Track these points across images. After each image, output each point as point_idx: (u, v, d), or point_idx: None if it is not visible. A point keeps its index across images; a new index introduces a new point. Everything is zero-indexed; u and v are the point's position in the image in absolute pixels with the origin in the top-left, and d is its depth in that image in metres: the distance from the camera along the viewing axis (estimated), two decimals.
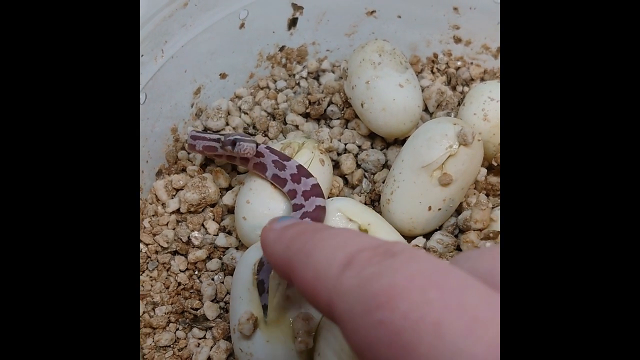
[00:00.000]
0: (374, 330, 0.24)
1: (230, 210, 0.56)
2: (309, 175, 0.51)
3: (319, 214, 0.48)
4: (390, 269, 0.26)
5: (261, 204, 0.51)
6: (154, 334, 0.50)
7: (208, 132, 0.56)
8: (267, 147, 0.52)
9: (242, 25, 0.60)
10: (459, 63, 0.67)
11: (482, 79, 0.65)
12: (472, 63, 0.67)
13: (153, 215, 0.55)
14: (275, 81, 0.66)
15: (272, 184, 0.52)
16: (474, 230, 0.47)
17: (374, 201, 0.57)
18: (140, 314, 0.50)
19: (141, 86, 0.52)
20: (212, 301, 0.52)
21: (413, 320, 0.24)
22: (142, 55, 0.51)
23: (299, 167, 0.51)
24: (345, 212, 0.49)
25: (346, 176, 0.59)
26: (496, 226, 0.47)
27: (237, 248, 0.54)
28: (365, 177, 0.59)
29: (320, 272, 0.29)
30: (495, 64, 0.66)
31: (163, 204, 0.56)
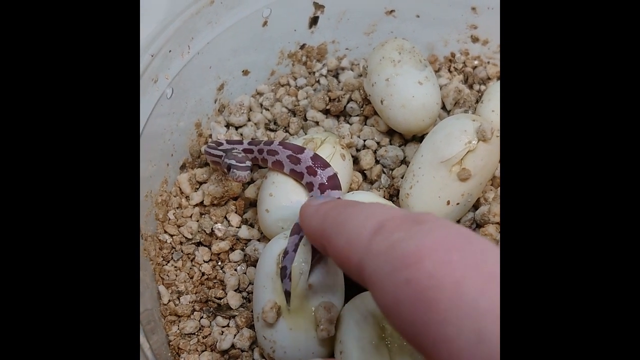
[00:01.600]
0: (401, 289, 0.26)
1: (253, 203, 0.58)
2: (325, 165, 0.51)
3: None
4: (419, 233, 0.28)
5: (283, 196, 0.53)
6: (179, 321, 0.51)
7: (228, 144, 0.57)
8: (280, 143, 0.54)
9: (265, 24, 0.62)
10: (476, 62, 0.68)
11: (499, 78, 0.66)
12: (489, 62, 0.68)
13: (177, 208, 0.57)
14: (295, 78, 0.67)
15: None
16: (493, 224, 0.48)
17: (393, 196, 0.59)
18: (166, 302, 0.52)
19: (168, 81, 0.53)
20: (235, 291, 0.53)
21: (437, 278, 0.26)
22: (169, 51, 0.53)
23: (314, 157, 0.52)
24: None
25: (365, 171, 0.60)
26: None
27: (259, 240, 0.55)
28: (384, 172, 0.60)
29: (352, 238, 0.31)
30: None
31: (187, 197, 0.58)
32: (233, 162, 0.51)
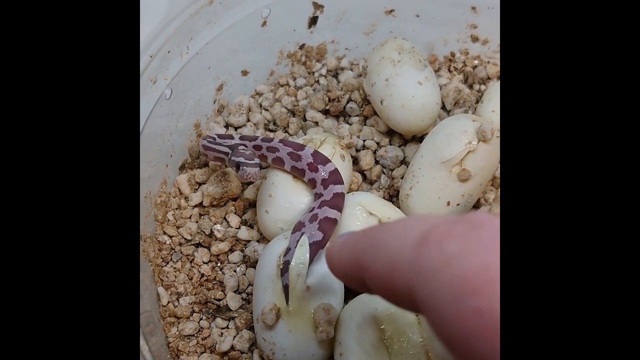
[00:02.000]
0: (470, 321, 0.21)
1: (252, 204, 0.57)
2: (325, 161, 0.51)
3: (337, 202, 0.49)
4: (480, 245, 0.22)
5: (283, 198, 0.53)
6: (179, 323, 0.51)
7: (220, 139, 0.56)
8: (280, 141, 0.53)
9: (264, 24, 0.61)
10: (476, 62, 0.68)
11: (499, 78, 0.66)
12: (489, 62, 0.67)
13: (177, 208, 0.57)
14: (295, 79, 0.67)
15: (294, 176, 0.53)
16: None
17: (392, 197, 0.58)
18: (165, 304, 0.52)
19: (167, 82, 0.53)
20: (234, 292, 0.53)
21: None
22: (168, 52, 0.52)
23: (314, 154, 0.52)
24: (366, 206, 0.50)
25: (365, 172, 0.60)
26: None
27: (258, 241, 0.55)
28: (384, 173, 0.60)
29: (394, 258, 0.25)
30: None
31: (186, 198, 0.58)
32: (242, 159, 0.50)
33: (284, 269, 0.46)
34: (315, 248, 0.47)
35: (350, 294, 0.50)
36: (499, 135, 0.53)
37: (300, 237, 0.47)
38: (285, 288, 0.45)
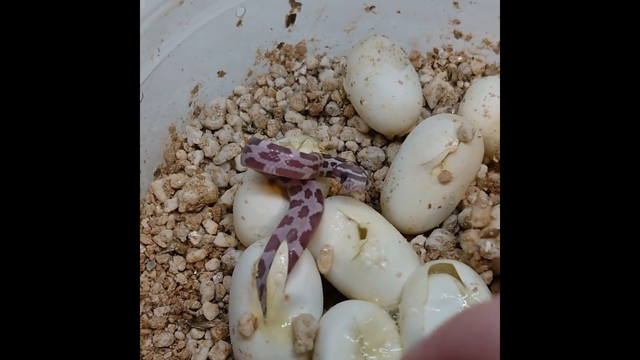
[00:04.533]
0: None
1: (229, 210, 0.56)
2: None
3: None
4: None
5: (259, 203, 0.51)
6: (153, 334, 0.50)
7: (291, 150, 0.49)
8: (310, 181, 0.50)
9: (239, 23, 0.60)
10: (459, 58, 0.66)
11: (484, 74, 0.65)
12: (473, 58, 0.66)
13: (151, 215, 0.55)
14: (274, 78, 0.65)
15: (269, 180, 0.51)
16: (474, 229, 0.47)
17: (374, 199, 0.57)
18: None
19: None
20: (210, 301, 0.51)
21: None
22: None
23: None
24: (345, 211, 0.49)
25: None
26: (496, 224, 0.47)
27: (236, 248, 0.54)
28: (365, 174, 0.58)
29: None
30: (496, 59, 0.65)
31: (162, 204, 0.56)
32: (349, 171, 0.49)
33: (260, 293, 0.44)
34: (305, 238, 0.46)
35: (330, 300, 0.48)
36: (480, 135, 0.52)
37: (279, 244, 0.45)
38: (265, 312, 0.44)
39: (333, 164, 0.50)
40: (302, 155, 0.47)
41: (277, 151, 0.46)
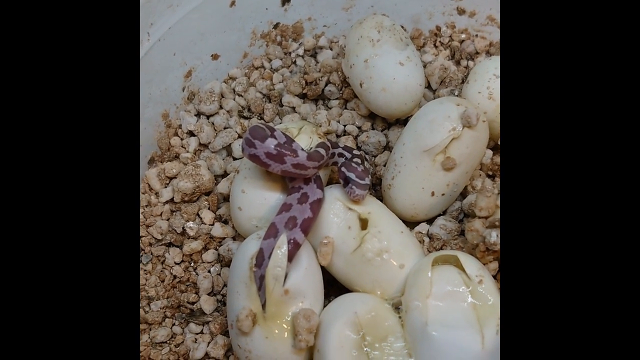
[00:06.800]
0: None
1: (226, 198, 0.54)
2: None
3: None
4: None
5: (257, 193, 0.49)
6: (150, 329, 0.49)
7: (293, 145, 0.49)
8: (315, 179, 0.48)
9: (232, 3, 0.57)
10: (463, 36, 0.63)
11: (488, 52, 0.62)
12: (477, 35, 0.63)
13: (146, 206, 0.54)
14: (270, 60, 0.63)
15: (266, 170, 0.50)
16: (479, 218, 0.45)
17: (375, 185, 0.55)
18: None
19: None
20: (208, 294, 0.50)
21: None
22: None
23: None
24: (345, 201, 0.47)
25: None
26: None
27: (233, 238, 0.52)
28: (366, 159, 0.56)
29: None
30: None
31: (156, 194, 0.54)
32: (353, 176, 0.47)
33: (260, 284, 0.43)
34: (306, 225, 0.45)
35: (332, 290, 0.47)
36: (485, 119, 0.50)
37: (279, 237, 0.44)
38: (264, 306, 0.43)
39: (340, 154, 0.50)
40: (309, 157, 0.46)
41: (284, 153, 0.45)
